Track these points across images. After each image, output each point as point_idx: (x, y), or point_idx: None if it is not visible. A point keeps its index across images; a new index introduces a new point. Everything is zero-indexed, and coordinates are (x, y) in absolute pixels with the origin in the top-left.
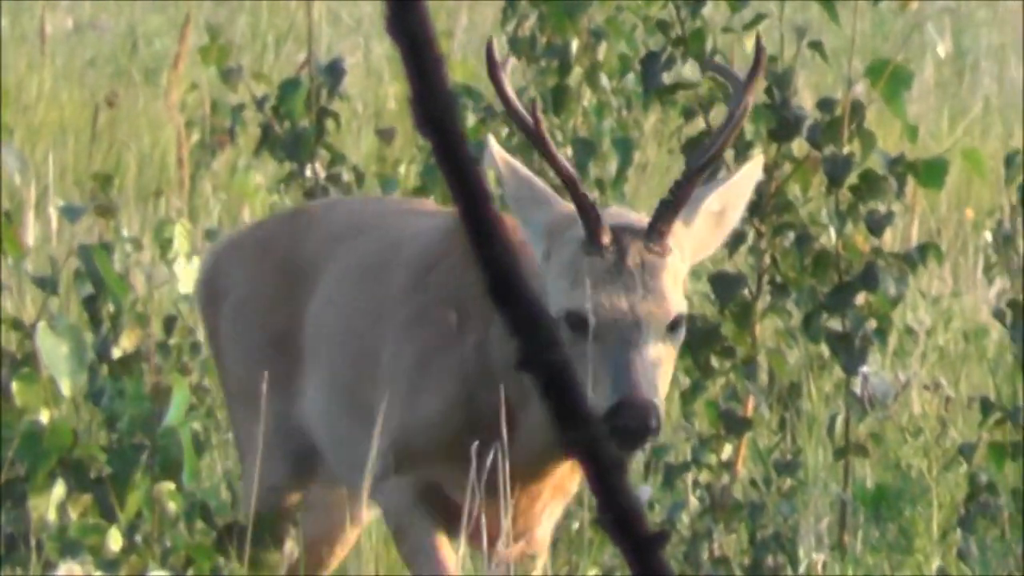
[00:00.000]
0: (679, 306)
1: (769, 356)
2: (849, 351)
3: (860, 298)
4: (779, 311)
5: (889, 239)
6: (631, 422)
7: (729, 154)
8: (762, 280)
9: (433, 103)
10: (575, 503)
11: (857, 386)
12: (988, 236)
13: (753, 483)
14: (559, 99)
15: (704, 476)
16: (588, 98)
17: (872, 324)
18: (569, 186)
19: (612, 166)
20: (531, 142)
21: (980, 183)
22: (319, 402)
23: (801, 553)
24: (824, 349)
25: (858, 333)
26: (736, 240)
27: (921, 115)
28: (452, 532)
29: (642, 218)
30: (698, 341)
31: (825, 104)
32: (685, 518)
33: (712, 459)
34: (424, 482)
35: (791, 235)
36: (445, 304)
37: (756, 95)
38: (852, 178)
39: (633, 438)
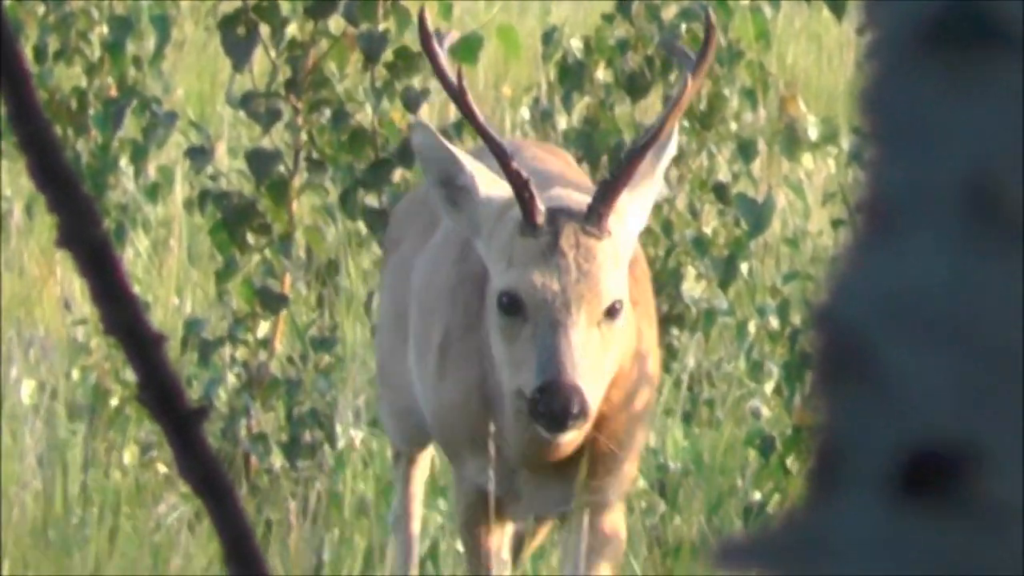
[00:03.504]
0: (616, 291)
1: (306, 233)
2: (385, 228)
3: (397, 175)
4: (316, 188)
5: (426, 115)
6: (554, 405)
7: (260, 30)
8: (299, 156)
9: None
10: (112, 382)
11: None
12: (525, 113)
13: (290, 360)
14: None
15: (241, 353)
16: None
17: None
18: (503, 163)
19: (150, 43)
20: (461, 113)
21: (518, 60)
22: (414, 370)
23: (339, 429)
24: (362, 226)
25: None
26: (271, 117)
27: None
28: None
29: (583, 200)
30: (234, 217)
31: None
32: (223, 394)
33: (249, 336)
34: (470, 491)
35: (328, 112)
36: (476, 282)
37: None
38: (388, 55)
39: (556, 422)
